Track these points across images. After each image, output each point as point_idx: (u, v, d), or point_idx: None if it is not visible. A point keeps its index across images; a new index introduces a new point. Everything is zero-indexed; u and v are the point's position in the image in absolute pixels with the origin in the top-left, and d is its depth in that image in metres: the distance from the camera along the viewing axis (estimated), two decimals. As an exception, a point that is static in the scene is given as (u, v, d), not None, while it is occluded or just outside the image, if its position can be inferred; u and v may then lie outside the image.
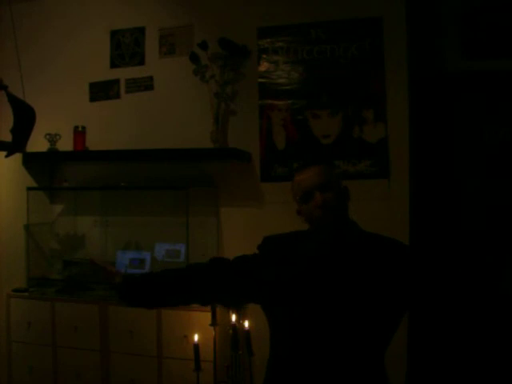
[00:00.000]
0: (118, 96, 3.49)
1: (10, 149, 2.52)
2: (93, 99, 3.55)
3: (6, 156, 2.58)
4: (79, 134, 3.41)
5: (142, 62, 3.45)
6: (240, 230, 3.22)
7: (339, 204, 1.71)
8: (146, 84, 3.43)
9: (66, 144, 3.41)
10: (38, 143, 3.29)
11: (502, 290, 2.90)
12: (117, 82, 3.49)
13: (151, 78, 3.41)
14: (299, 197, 1.76)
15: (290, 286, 1.69)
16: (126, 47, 3.48)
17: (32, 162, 3.47)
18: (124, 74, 3.48)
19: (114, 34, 3.51)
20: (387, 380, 1.70)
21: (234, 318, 2.80)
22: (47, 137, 3.40)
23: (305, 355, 1.66)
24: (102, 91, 3.52)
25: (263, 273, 1.77)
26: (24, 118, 2.44)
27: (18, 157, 3.30)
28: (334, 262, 1.69)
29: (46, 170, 3.60)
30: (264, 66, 3.19)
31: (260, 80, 3.20)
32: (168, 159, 3.20)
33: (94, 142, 3.44)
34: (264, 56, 3.19)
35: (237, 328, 2.77)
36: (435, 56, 3.13)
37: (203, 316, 2.86)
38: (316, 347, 1.65)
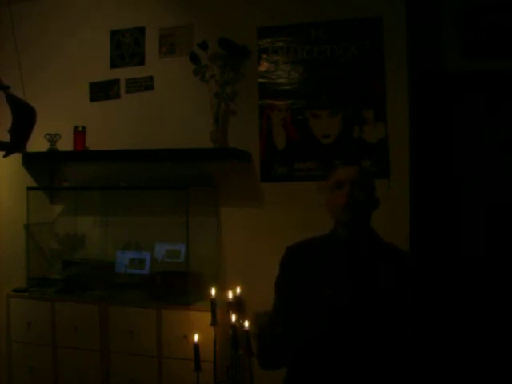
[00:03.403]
0: (118, 96, 3.49)
1: (8, 149, 2.52)
2: (93, 99, 3.55)
3: (4, 156, 2.58)
4: (79, 133, 3.41)
5: (142, 62, 3.45)
6: (240, 230, 3.22)
7: (364, 206, 1.74)
8: (145, 84, 3.43)
9: (66, 144, 3.41)
10: (38, 143, 3.29)
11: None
12: (117, 82, 3.49)
13: (151, 78, 3.41)
14: (330, 184, 1.80)
15: (307, 294, 1.74)
16: (125, 47, 3.49)
17: (32, 161, 3.47)
18: (124, 73, 3.48)
19: (114, 34, 3.51)
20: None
21: (233, 317, 2.80)
22: (47, 137, 3.40)
23: (321, 352, 1.71)
24: (102, 91, 3.52)
25: (284, 287, 1.84)
26: (24, 119, 2.43)
27: (18, 157, 3.31)
28: (346, 270, 1.72)
29: (46, 170, 3.60)
30: (264, 66, 3.19)
31: (260, 80, 3.20)
32: (168, 159, 3.20)
33: (93, 142, 3.44)
34: (264, 56, 3.19)
35: (237, 328, 2.77)
36: (435, 56, 3.12)
37: (203, 316, 2.86)
38: (330, 348, 1.70)
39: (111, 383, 3.10)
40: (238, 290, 2.98)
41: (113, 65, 3.51)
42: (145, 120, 3.41)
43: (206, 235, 3.23)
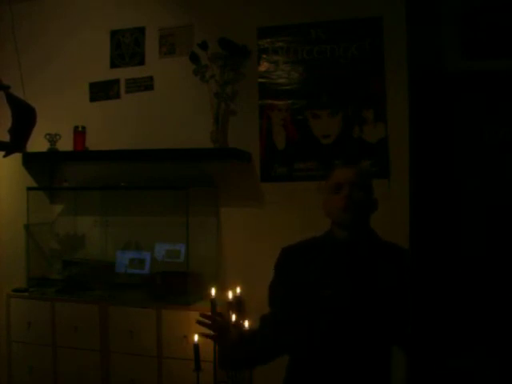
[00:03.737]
0: (118, 96, 3.49)
1: (8, 149, 2.52)
2: (93, 99, 3.55)
3: (4, 156, 2.58)
4: (79, 133, 3.41)
5: (142, 62, 3.45)
6: (240, 230, 3.22)
7: (363, 207, 1.74)
8: (145, 84, 3.43)
9: (66, 144, 3.41)
10: (38, 143, 3.29)
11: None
12: (117, 82, 3.49)
13: (151, 78, 3.41)
14: (329, 185, 1.79)
15: (305, 294, 1.74)
16: (125, 47, 3.49)
17: (32, 161, 3.47)
18: (124, 73, 3.48)
19: (114, 33, 3.51)
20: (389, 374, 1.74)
21: (233, 317, 2.80)
22: (47, 137, 3.40)
23: (322, 353, 1.70)
24: (102, 91, 3.52)
25: (280, 289, 1.83)
26: (24, 119, 2.43)
27: (18, 157, 3.31)
28: (346, 270, 1.72)
29: (46, 170, 3.60)
30: (264, 66, 3.20)
31: (260, 80, 3.20)
32: (168, 159, 3.20)
33: (93, 142, 3.44)
34: (264, 56, 3.19)
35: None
36: (435, 56, 3.12)
37: (203, 316, 2.86)
38: (330, 348, 1.69)
39: (111, 383, 3.10)
40: (238, 290, 2.98)
41: (113, 65, 3.51)
42: (145, 120, 3.41)
43: (206, 235, 3.23)
